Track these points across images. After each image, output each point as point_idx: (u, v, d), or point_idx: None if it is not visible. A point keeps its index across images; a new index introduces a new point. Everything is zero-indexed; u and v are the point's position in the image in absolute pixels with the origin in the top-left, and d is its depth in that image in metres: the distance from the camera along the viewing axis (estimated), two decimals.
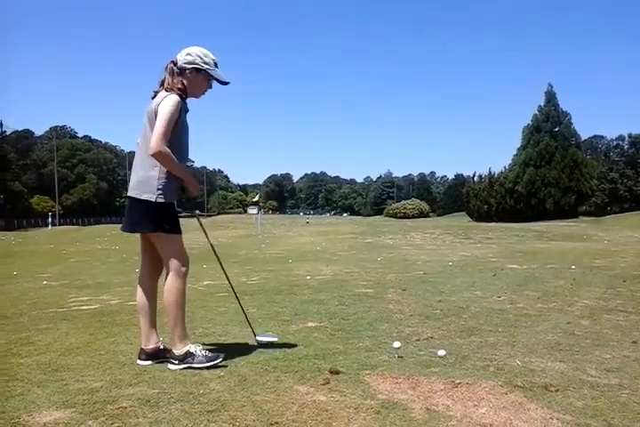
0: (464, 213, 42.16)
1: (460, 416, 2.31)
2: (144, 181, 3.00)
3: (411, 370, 2.94)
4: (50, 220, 45.41)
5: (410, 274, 7.43)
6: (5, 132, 69.40)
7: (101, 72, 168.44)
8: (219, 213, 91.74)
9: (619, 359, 3.18)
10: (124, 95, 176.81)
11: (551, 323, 4.19)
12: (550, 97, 37.76)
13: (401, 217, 48.72)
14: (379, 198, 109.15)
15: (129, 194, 3.06)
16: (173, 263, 3.09)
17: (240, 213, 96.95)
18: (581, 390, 2.62)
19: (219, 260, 3.58)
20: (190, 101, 3.15)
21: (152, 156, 2.88)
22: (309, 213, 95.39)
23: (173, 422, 2.23)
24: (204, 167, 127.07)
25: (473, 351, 3.34)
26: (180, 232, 3.10)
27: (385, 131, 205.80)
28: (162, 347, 3.17)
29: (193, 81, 3.08)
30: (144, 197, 2.98)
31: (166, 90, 3.01)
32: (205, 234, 3.57)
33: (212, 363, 3.00)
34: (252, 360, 3.15)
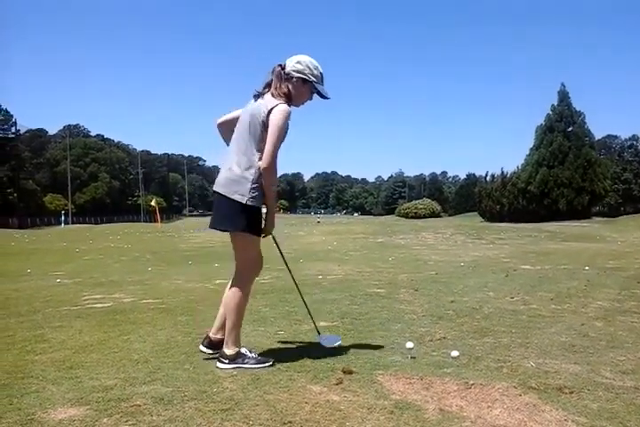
0: (476, 213, 41.95)
1: (473, 417, 2.30)
2: (237, 181, 2.97)
3: (424, 371, 2.93)
4: (63, 218, 45.88)
5: (422, 274, 7.41)
6: (19, 131, 70.09)
7: (115, 71, 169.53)
8: None
9: (634, 361, 3.15)
10: (137, 94, 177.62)
11: (565, 324, 4.16)
12: (563, 96, 37.46)
13: (412, 217, 48.47)
14: (390, 198, 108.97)
15: (218, 190, 3.04)
16: (246, 266, 3.13)
17: None
18: (596, 392, 2.60)
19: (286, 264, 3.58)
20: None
21: (263, 170, 2.90)
22: (320, 213, 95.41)
23: (187, 420, 2.24)
24: (216, 167, 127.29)
25: (486, 352, 3.33)
26: (260, 236, 3.09)
27: (396, 130, 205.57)
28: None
29: (297, 90, 3.09)
30: (234, 196, 2.95)
31: (273, 95, 3.02)
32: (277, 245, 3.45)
33: (261, 365, 3.00)
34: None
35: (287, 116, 2.95)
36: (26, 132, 79.27)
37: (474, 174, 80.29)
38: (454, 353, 3.19)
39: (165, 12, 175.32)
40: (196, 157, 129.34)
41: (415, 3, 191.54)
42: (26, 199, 64.73)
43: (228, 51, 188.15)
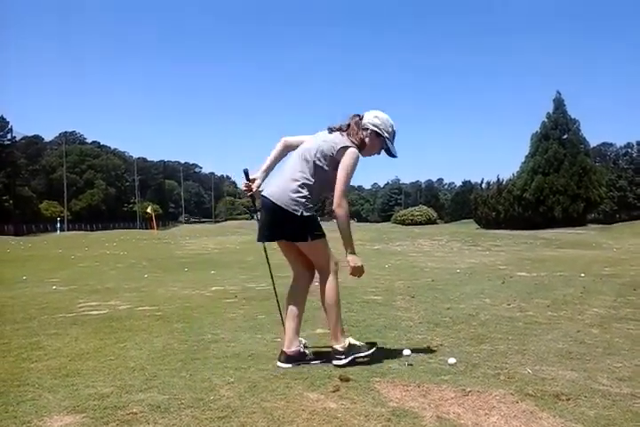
0: (472, 220, 41.96)
1: (471, 425, 2.30)
2: (294, 198, 3.11)
3: (421, 378, 2.93)
4: (58, 225, 45.72)
5: (418, 281, 7.41)
6: (15, 137, 69.85)
7: (111, 77, 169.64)
8: (226, 219, 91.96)
9: (630, 368, 3.15)
10: (134, 101, 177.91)
11: (561, 331, 4.17)
12: (559, 104, 37.58)
13: (409, 224, 48.46)
14: (386, 205, 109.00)
15: (276, 202, 3.14)
16: (327, 265, 3.25)
17: (248, 219, 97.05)
18: (593, 399, 2.60)
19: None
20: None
21: (336, 209, 3.11)
22: None
23: None
24: (213, 173, 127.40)
25: (483, 359, 3.33)
26: (324, 236, 3.23)
27: None
28: (302, 351, 3.26)
29: (370, 141, 3.28)
30: (293, 208, 3.10)
31: (349, 135, 3.23)
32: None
33: (371, 351, 3.21)
34: (262, 367, 3.16)
35: (357, 161, 3.15)
36: (22, 139, 78.98)
37: (470, 181, 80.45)
38: (451, 360, 3.19)
39: (161, 16, 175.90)
40: (193, 164, 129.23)
41: (411, 10, 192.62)
42: (22, 206, 64.53)
43: (224, 57, 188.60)
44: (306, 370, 3.07)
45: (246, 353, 3.47)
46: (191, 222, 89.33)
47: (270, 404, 2.52)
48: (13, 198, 62.72)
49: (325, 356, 3.30)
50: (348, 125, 3.29)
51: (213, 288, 6.95)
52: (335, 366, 3.14)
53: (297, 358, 3.21)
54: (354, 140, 3.23)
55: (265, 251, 3.64)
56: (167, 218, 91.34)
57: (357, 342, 3.24)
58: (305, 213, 3.10)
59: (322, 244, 3.22)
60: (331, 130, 3.31)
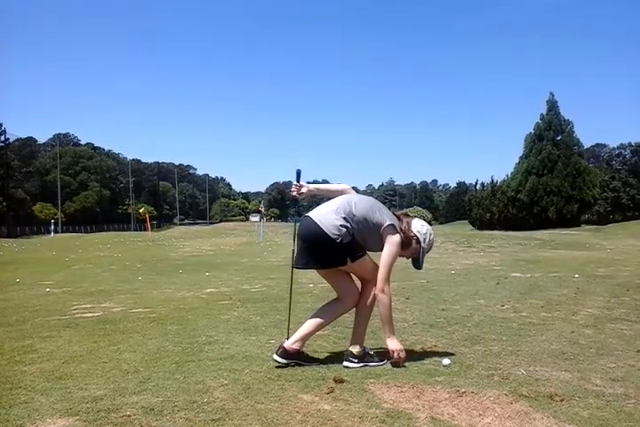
0: (466, 221, 42.11)
1: (465, 426, 2.30)
2: (337, 224, 3.16)
3: (415, 379, 2.93)
4: (52, 227, 45.43)
5: (413, 282, 7.42)
6: (9, 139, 69.38)
7: (105, 79, 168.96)
8: (221, 221, 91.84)
9: (624, 369, 3.16)
10: (128, 102, 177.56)
11: (555, 332, 4.18)
12: (552, 105, 37.75)
13: None
14: None
15: (318, 224, 3.18)
16: (374, 274, 3.27)
17: (242, 220, 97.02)
18: (587, 400, 2.61)
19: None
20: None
21: (378, 293, 3.21)
22: None
23: None
24: (207, 175, 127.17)
25: (477, 360, 3.33)
26: (366, 253, 3.31)
27: (387, 139, 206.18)
28: (300, 351, 3.26)
29: (409, 244, 3.36)
30: (332, 233, 3.14)
31: (401, 228, 3.33)
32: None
33: (382, 363, 3.25)
34: (256, 369, 3.15)
35: (400, 247, 3.27)
36: (15, 141, 78.62)
37: (464, 183, 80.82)
38: (445, 361, 3.20)
39: (154, 16, 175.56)
40: (187, 166, 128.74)
41: (406, 10, 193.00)
42: (15, 208, 64.19)
43: (219, 58, 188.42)
44: (300, 372, 3.07)
45: (240, 355, 3.47)
46: (186, 224, 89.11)
47: (264, 406, 2.52)
48: (7, 200, 62.40)
49: (320, 358, 3.31)
50: (400, 218, 3.41)
51: (208, 290, 6.93)
52: (344, 366, 3.17)
53: (294, 356, 3.21)
54: (405, 230, 3.34)
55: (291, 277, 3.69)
56: (162, 220, 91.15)
57: (372, 352, 3.30)
58: (344, 241, 3.14)
59: (364, 261, 3.28)
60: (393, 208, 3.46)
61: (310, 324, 3.30)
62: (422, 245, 3.38)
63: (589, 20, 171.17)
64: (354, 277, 3.39)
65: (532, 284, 7.17)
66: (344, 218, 3.18)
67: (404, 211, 3.58)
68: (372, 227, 3.22)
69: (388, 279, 3.22)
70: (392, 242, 3.23)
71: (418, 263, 3.46)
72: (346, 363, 3.20)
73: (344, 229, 3.15)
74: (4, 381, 2.95)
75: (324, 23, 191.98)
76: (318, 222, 3.18)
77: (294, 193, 3.46)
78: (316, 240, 3.17)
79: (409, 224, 3.38)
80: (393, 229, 3.24)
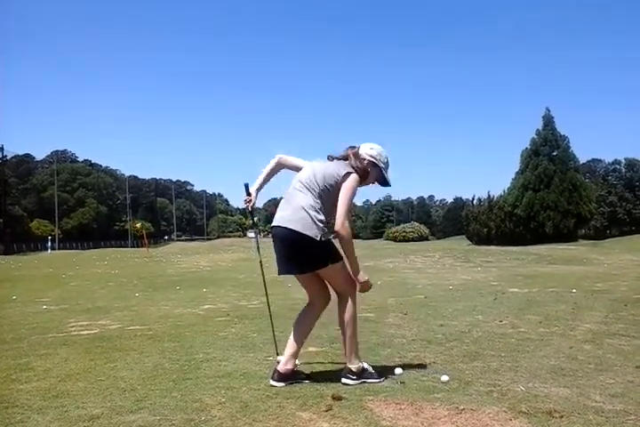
0: (463, 236, 42.05)
1: None
2: (310, 223, 3.14)
3: (414, 396, 2.91)
4: (49, 244, 45.33)
5: (410, 298, 7.41)
6: (6, 156, 69.56)
7: (103, 95, 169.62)
8: (218, 237, 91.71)
9: (623, 384, 3.15)
10: (125, 119, 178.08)
11: (553, 347, 4.17)
12: (548, 121, 37.97)
13: (401, 240, 48.60)
14: (378, 222, 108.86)
15: (291, 227, 3.16)
16: (346, 286, 3.30)
17: (240, 236, 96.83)
18: (586, 416, 2.60)
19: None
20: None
21: (339, 230, 3.11)
22: None
23: None
24: (204, 191, 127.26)
25: (476, 377, 3.32)
26: (342, 258, 3.27)
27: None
28: (295, 369, 3.26)
29: (367, 172, 3.37)
30: (310, 233, 3.12)
31: (350, 164, 3.31)
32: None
33: (381, 379, 3.22)
34: (254, 386, 3.14)
35: (357, 184, 3.24)
36: (12, 158, 78.76)
37: (461, 198, 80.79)
38: (444, 378, 3.19)
39: (150, 28, 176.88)
40: (184, 182, 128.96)
41: (400, 25, 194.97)
42: (12, 225, 64.05)
43: (216, 72, 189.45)
44: (298, 389, 3.05)
45: (238, 372, 3.45)
46: (183, 240, 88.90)
47: (262, 424, 2.50)
48: (4, 217, 62.29)
49: (318, 375, 3.29)
50: (347, 156, 3.38)
51: (205, 306, 6.91)
52: (343, 384, 3.14)
53: (290, 377, 3.20)
54: (358, 167, 3.32)
55: (261, 266, 3.69)
56: (159, 236, 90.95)
57: (370, 369, 3.27)
58: (323, 238, 3.14)
59: (340, 267, 3.26)
60: (331, 158, 3.42)
61: (295, 339, 3.29)
62: (380, 165, 3.39)
63: (586, 32, 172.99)
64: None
65: (530, 299, 7.17)
66: (314, 210, 3.17)
67: (347, 149, 3.45)
68: (336, 186, 3.21)
69: (347, 215, 3.17)
70: (348, 179, 3.22)
71: (386, 182, 3.48)
72: (344, 380, 3.18)
73: (320, 224, 3.13)
74: (0, 400, 2.93)
75: (320, 37, 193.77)
76: (292, 228, 3.15)
77: (248, 205, 3.55)
78: (296, 242, 3.16)
79: (356, 155, 3.37)
80: (348, 174, 3.23)
